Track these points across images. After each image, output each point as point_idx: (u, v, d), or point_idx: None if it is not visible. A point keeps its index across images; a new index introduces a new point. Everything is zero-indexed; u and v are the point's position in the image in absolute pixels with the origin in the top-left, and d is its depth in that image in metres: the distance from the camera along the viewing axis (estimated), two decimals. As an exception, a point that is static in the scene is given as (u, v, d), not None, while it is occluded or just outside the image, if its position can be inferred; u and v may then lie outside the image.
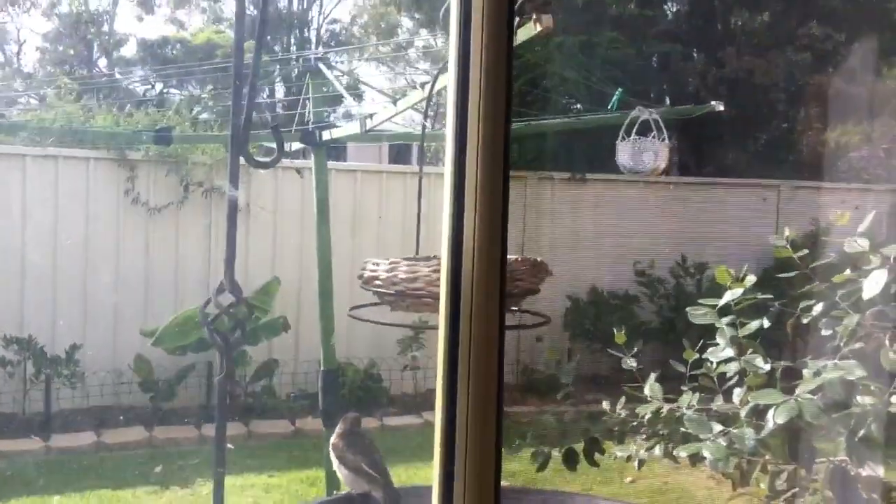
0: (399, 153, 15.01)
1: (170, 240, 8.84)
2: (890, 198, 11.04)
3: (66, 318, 8.38)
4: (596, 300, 10.40)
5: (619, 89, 5.24)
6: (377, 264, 2.35)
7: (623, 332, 4.00)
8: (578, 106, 9.67)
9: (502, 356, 1.49)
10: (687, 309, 3.14)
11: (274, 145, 8.12)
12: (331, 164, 8.61)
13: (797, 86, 11.83)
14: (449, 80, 1.61)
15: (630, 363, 3.97)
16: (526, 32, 3.81)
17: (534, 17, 3.77)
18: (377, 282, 2.31)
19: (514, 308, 2.34)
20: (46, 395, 8.17)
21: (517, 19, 3.87)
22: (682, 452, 3.07)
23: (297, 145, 6.15)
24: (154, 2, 22.26)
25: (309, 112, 5.84)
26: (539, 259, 2.38)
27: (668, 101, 12.39)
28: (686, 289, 10.36)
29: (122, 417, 8.27)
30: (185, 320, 8.15)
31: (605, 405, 4.00)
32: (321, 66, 5.74)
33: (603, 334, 9.72)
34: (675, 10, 13.44)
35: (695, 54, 12.71)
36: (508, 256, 2.24)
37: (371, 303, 2.44)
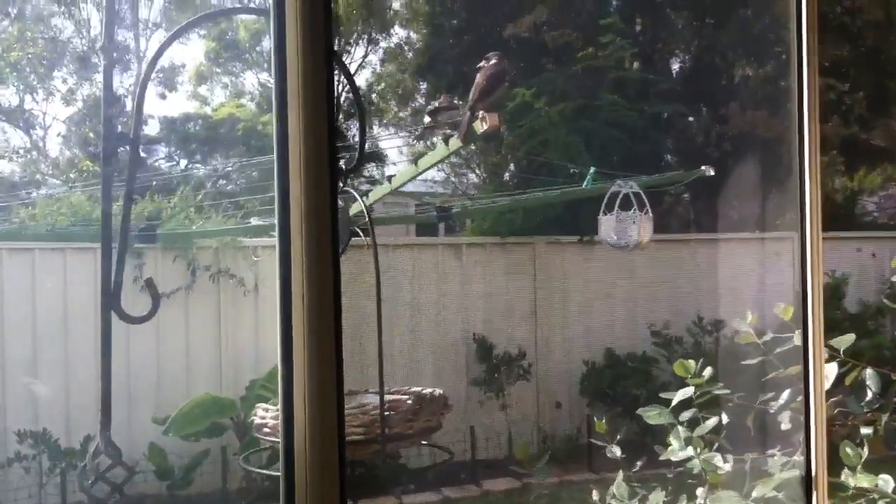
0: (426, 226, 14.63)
1: (179, 324, 8.89)
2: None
3: (79, 409, 8.41)
4: (613, 363, 10.26)
5: (593, 169, 5.19)
6: (266, 410, 2.27)
7: (603, 421, 3.94)
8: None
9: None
10: (638, 411, 3.07)
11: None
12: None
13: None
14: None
15: (614, 452, 3.89)
16: (476, 128, 3.88)
17: (480, 115, 3.83)
18: (265, 430, 2.23)
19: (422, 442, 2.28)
20: (62, 489, 8.17)
21: (468, 115, 3.92)
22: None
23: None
24: (176, 80, 22.61)
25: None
26: (437, 393, 2.32)
27: (671, 160, 12.34)
28: (705, 347, 10.21)
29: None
30: (196, 405, 8.17)
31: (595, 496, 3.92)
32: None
33: (623, 398, 9.60)
34: (677, 68, 13.45)
35: (703, 110, 12.70)
36: (393, 396, 2.19)
37: (262, 447, 2.39)
